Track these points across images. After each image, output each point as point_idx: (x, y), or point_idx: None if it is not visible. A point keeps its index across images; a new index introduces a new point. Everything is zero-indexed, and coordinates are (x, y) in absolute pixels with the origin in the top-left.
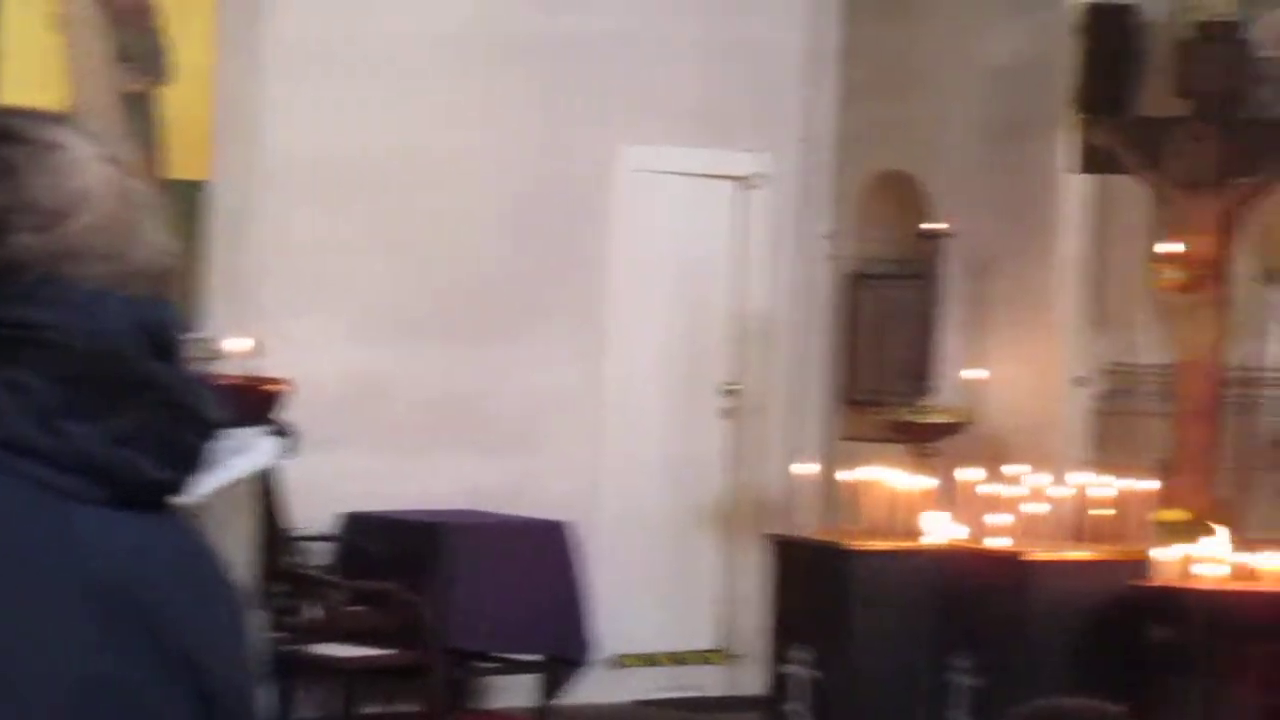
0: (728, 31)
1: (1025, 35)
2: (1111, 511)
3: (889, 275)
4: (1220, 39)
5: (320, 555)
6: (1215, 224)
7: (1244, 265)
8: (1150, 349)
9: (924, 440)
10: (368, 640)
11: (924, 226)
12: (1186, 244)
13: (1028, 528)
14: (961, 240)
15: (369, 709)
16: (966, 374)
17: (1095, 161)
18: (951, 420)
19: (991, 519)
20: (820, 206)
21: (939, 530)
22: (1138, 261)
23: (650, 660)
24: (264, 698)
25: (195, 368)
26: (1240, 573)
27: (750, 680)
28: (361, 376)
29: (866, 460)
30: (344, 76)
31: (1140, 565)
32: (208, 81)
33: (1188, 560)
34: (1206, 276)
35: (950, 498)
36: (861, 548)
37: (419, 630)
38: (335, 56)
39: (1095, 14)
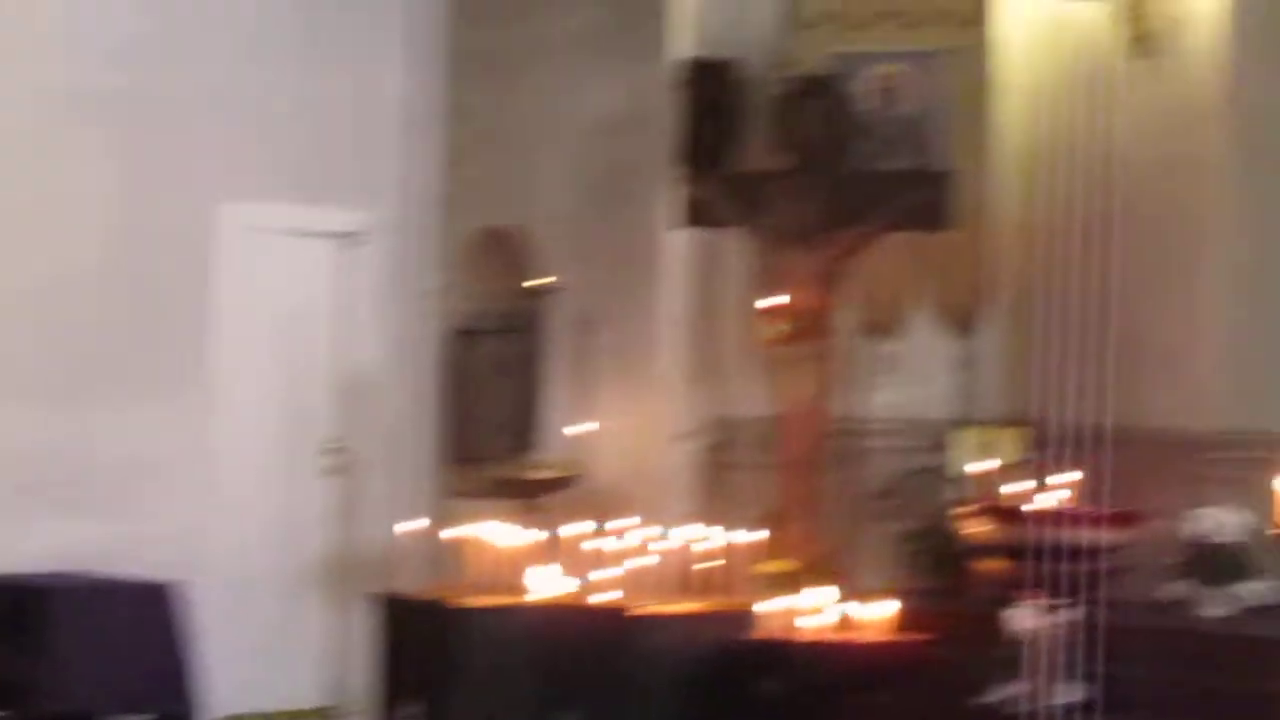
0: (329, 88)
1: (628, 91)
2: (717, 564)
3: (495, 330)
4: (819, 93)
5: None
6: (816, 277)
7: (847, 318)
8: (754, 402)
9: (530, 495)
10: None
11: (529, 282)
12: (788, 297)
13: (635, 581)
14: (567, 295)
15: None
16: (573, 429)
17: (697, 216)
18: (557, 475)
19: (598, 573)
20: (425, 262)
21: (546, 585)
22: (741, 315)
23: (260, 719)
24: None
25: None
26: (845, 623)
27: None
28: None
29: (474, 516)
30: None
31: (747, 617)
32: None
33: (794, 612)
34: (808, 329)
35: (557, 552)
36: (468, 604)
37: (21, 694)
38: None
39: (696, 69)
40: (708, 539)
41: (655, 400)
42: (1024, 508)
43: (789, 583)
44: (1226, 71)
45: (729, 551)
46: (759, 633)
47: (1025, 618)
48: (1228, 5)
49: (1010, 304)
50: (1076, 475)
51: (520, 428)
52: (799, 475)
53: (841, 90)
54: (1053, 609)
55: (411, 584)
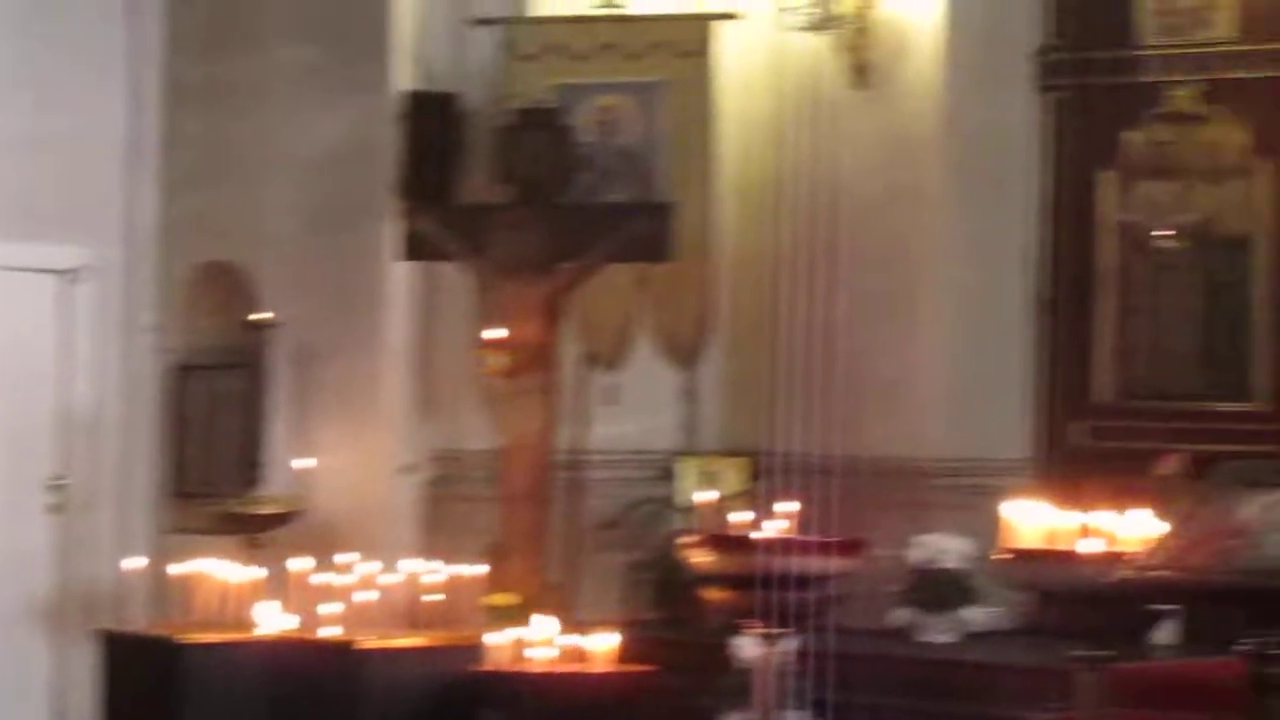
0: (44, 123)
1: (350, 123)
2: (442, 597)
3: (217, 366)
4: (541, 125)
5: None
6: (539, 309)
7: (570, 350)
8: (478, 435)
9: (254, 531)
10: None
11: (251, 316)
12: (511, 329)
13: (360, 616)
14: (289, 329)
15: None
16: (296, 463)
17: (419, 248)
18: (281, 510)
19: (324, 608)
20: (145, 298)
21: (271, 621)
22: (464, 348)
23: None
24: None
25: None
26: (570, 654)
27: None
28: None
29: (199, 553)
30: None
31: (474, 650)
32: None
33: (520, 644)
34: (531, 361)
35: (282, 588)
36: (192, 641)
37: None
38: None
39: (416, 101)
40: (433, 572)
41: (379, 434)
42: (750, 536)
43: (515, 615)
44: (943, 101)
45: (455, 585)
46: (486, 665)
47: (752, 646)
48: (943, 36)
49: (734, 334)
50: (799, 504)
51: (244, 463)
52: (524, 507)
53: (562, 122)
54: (780, 637)
55: (136, 621)
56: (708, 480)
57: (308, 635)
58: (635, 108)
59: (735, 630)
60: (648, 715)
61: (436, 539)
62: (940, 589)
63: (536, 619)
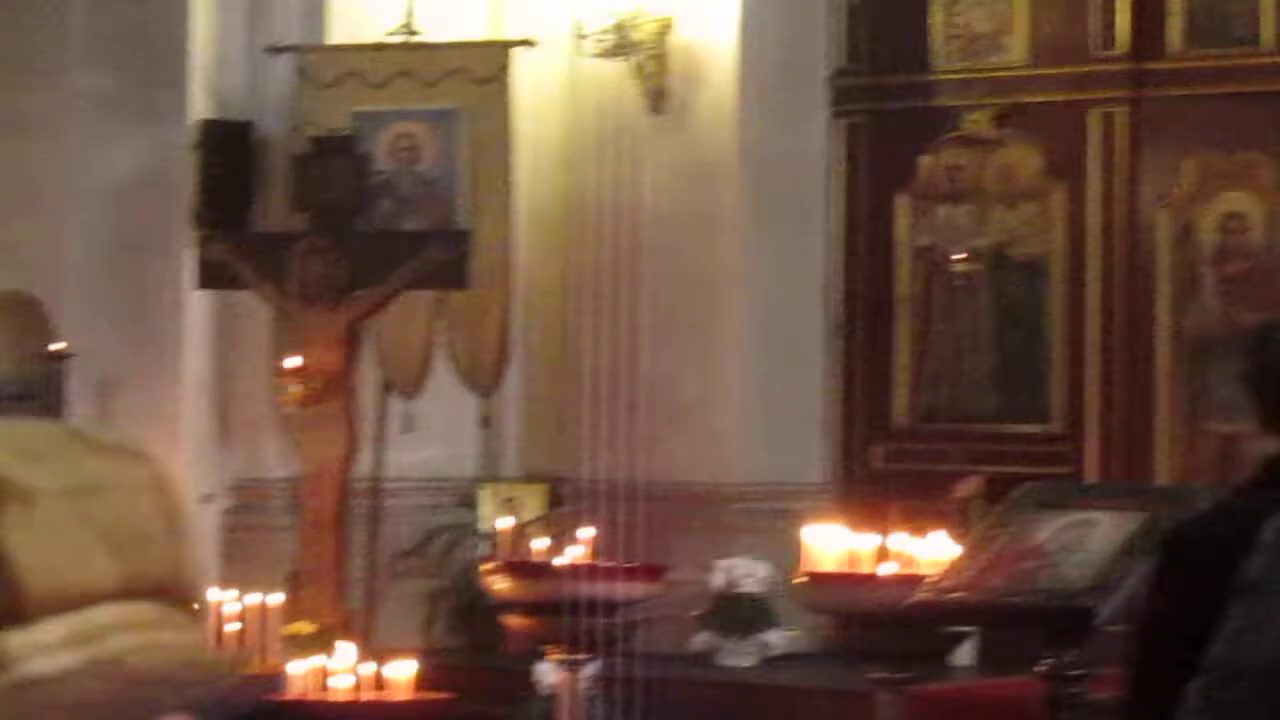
0: None
1: (146, 151)
2: (241, 627)
3: (12, 397)
4: (336, 153)
5: None
6: (337, 336)
7: (370, 377)
8: (277, 463)
9: None
10: None
11: (48, 347)
12: (308, 357)
13: None
14: (84, 360)
15: None
16: None
17: (215, 277)
18: None
19: None
20: None
21: None
22: (263, 376)
23: None
24: None
25: None
26: (370, 682)
27: None
28: None
29: None
30: None
31: (274, 679)
32: None
33: (320, 673)
34: (329, 389)
35: None
36: None
37: None
38: None
39: (212, 129)
40: (233, 601)
41: (178, 463)
42: (551, 563)
43: (315, 644)
44: (739, 127)
45: (254, 614)
46: (286, 694)
47: (554, 672)
48: (738, 62)
49: (533, 361)
50: (599, 530)
51: None
52: (323, 535)
53: (359, 150)
54: (582, 663)
55: None
56: (508, 507)
57: None
58: (433, 135)
59: (537, 656)
60: None
61: (236, 568)
62: (741, 613)
63: (336, 647)
